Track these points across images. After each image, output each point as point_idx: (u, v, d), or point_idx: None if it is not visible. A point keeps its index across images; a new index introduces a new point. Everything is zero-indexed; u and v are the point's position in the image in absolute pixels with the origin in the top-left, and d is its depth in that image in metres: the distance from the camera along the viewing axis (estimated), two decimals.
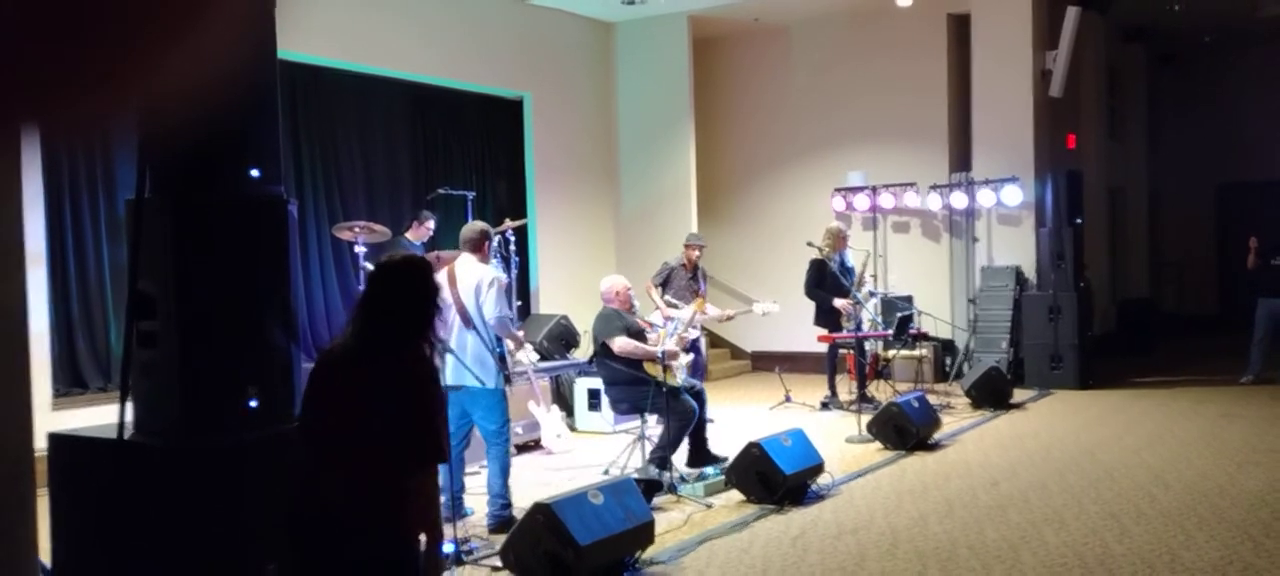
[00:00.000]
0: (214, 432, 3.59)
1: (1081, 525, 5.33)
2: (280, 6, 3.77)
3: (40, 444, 3.79)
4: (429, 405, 2.76)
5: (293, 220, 3.87)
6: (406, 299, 2.83)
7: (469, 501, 5.74)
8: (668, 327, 6.76)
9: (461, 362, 5.30)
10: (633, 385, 6.31)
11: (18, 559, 3.45)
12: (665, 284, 8.79)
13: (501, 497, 5.42)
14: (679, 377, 6.37)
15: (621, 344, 6.31)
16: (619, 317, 6.48)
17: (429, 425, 2.74)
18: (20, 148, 0.78)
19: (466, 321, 5.35)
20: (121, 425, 3.59)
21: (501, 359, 5.46)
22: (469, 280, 5.41)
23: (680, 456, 6.55)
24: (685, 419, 6.28)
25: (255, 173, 3.74)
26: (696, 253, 8.93)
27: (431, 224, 8.50)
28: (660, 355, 6.31)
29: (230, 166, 3.71)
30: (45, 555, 3.87)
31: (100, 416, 5.31)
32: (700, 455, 6.40)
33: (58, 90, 0.72)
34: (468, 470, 6.10)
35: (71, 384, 7.39)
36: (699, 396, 6.59)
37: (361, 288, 3.00)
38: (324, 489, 2.79)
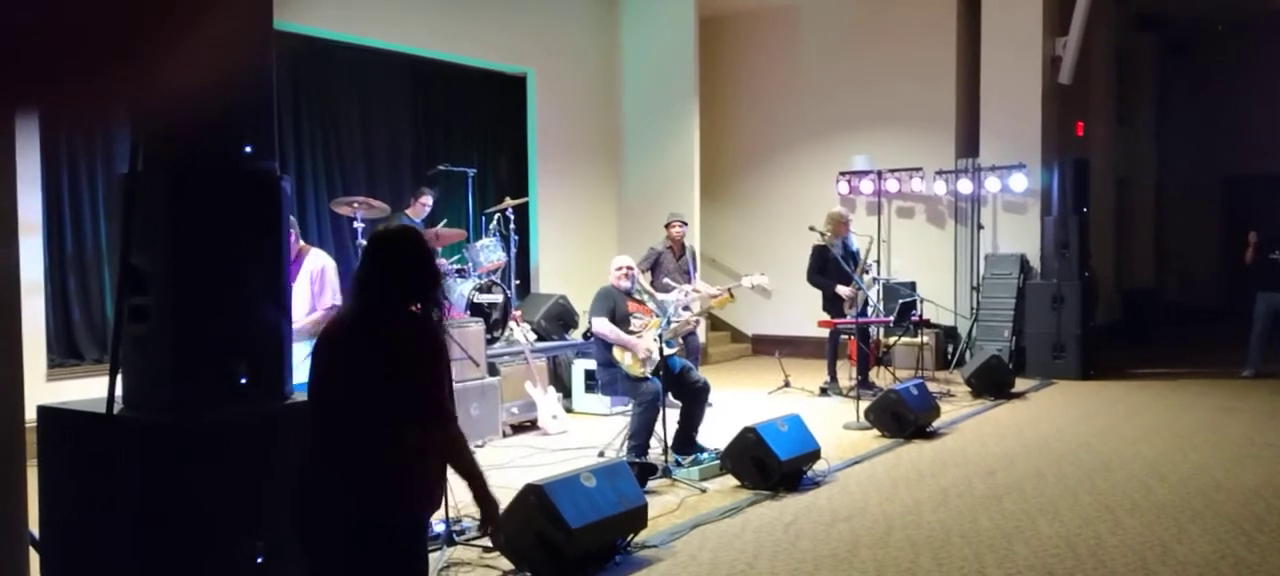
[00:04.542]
0: (204, 408, 3.57)
1: (1075, 516, 5.32)
2: None
3: (31, 415, 3.78)
4: (420, 361, 2.73)
5: (286, 196, 3.85)
6: (397, 266, 2.84)
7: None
8: (665, 313, 6.68)
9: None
10: (605, 367, 6.46)
11: (8, 528, 3.45)
12: (654, 269, 8.61)
13: None
14: (645, 369, 6.30)
15: (599, 326, 6.38)
16: (609, 298, 6.46)
17: (422, 381, 2.72)
18: (15, 121, 0.76)
19: None
20: (111, 399, 3.58)
21: None
22: None
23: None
24: (649, 408, 6.19)
25: (248, 148, 3.71)
26: (679, 229, 8.69)
27: (428, 199, 8.45)
28: (633, 345, 6.31)
29: (224, 141, 3.68)
30: (35, 526, 3.88)
31: (95, 388, 5.28)
32: (688, 445, 6.37)
33: (56, 78, 0.70)
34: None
35: (67, 354, 7.39)
36: (703, 389, 6.53)
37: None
38: (320, 458, 2.80)
